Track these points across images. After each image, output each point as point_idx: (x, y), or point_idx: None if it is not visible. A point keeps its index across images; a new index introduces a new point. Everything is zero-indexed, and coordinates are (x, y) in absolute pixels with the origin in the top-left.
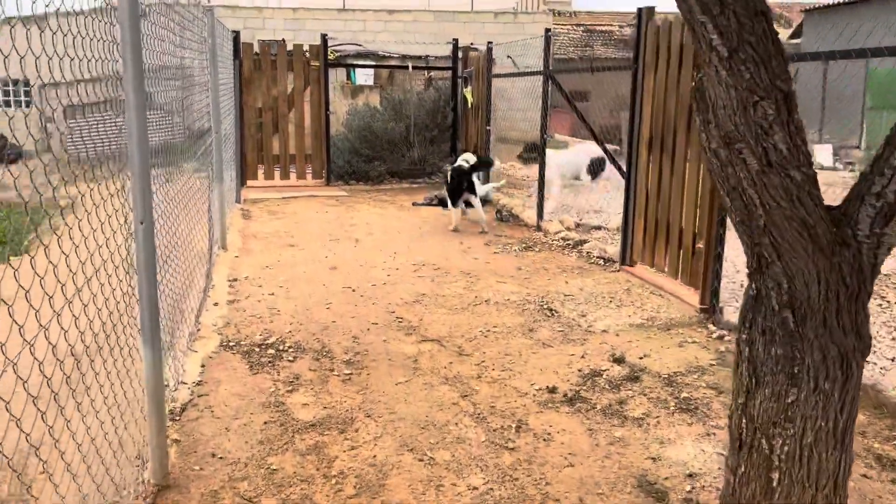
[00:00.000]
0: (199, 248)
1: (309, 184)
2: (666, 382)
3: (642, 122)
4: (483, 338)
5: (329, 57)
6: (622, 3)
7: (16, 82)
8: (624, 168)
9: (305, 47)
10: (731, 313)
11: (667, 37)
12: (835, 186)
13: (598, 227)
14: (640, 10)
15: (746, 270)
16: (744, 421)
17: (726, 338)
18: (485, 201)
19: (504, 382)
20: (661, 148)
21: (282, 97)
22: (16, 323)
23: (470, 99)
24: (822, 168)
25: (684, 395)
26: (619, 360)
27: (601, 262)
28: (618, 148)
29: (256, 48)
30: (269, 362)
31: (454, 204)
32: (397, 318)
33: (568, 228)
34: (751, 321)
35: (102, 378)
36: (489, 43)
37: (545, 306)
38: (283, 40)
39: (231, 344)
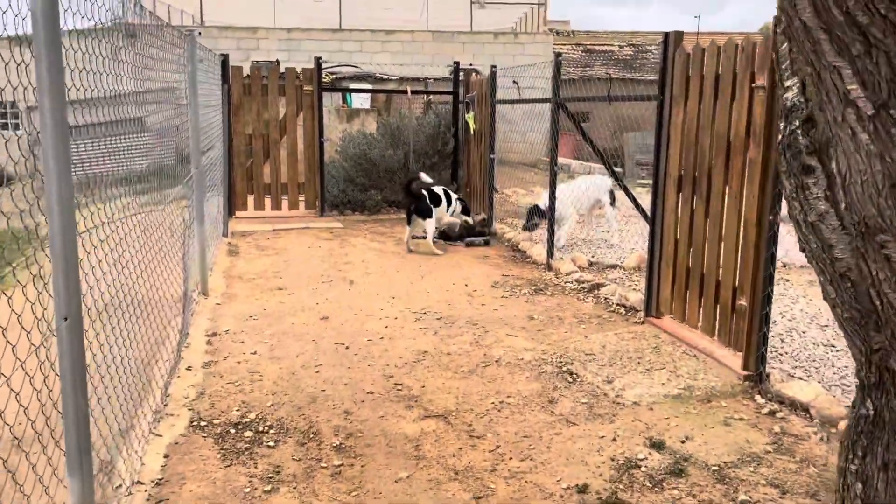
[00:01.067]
0: (173, 293)
1: (301, 214)
2: (717, 477)
3: (669, 159)
4: (496, 412)
5: (324, 80)
6: (618, 22)
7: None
8: (632, 195)
9: (298, 70)
10: (779, 381)
11: (699, 66)
12: None
13: (614, 266)
14: (666, 35)
15: (857, 382)
16: None
17: (778, 414)
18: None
19: (524, 478)
20: (693, 189)
21: (273, 123)
22: None
23: (472, 125)
24: None
25: (742, 496)
26: (657, 446)
27: (622, 310)
28: (621, 170)
29: (247, 71)
30: (246, 448)
31: (407, 221)
32: (396, 384)
33: (581, 268)
34: (864, 449)
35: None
36: (493, 67)
37: (564, 368)
38: (277, 61)
39: (203, 423)
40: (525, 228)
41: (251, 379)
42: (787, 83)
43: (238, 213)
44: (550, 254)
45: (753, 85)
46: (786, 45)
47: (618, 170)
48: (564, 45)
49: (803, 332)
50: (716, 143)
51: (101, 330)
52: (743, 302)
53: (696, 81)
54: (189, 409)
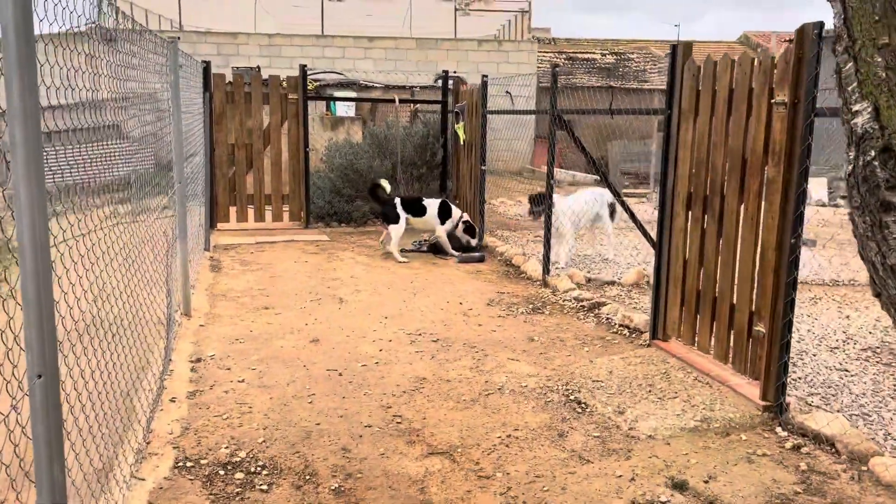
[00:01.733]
0: (156, 314)
1: (286, 226)
2: None
3: (678, 177)
4: (504, 448)
5: (308, 87)
6: (598, 29)
7: None
8: (630, 209)
9: (282, 77)
10: (799, 411)
11: (710, 80)
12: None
13: (612, 283)
14: (674, 46)
15: None
16: None
17: (803, 449)
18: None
19: None
20: (704, 209)
21: (257, 132)
22: None
23: (462, 135)
24: (825, 205)
25: None
26: (680, 487)
27: (626, 332)
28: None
29: (229, 77)
30: (237, 493)
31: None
32: (395, 416)
33: (578, 284)
34: None
35: None
36: (484, 76)
37: (572, 397)
38: (258, 67)
39: (189, 464)
40: (531, 213)
41: (240, 411)
42: (856, 107)
43: (220, 225)
44: (546, 270)
45: (773, 101)
46: (851, 64)
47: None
48: (546, 52)
49: (814, 356)
50: (730, 161)
51: (78, 356)
52: (760, 328)
53: (706, 96)
54: (174, 447)
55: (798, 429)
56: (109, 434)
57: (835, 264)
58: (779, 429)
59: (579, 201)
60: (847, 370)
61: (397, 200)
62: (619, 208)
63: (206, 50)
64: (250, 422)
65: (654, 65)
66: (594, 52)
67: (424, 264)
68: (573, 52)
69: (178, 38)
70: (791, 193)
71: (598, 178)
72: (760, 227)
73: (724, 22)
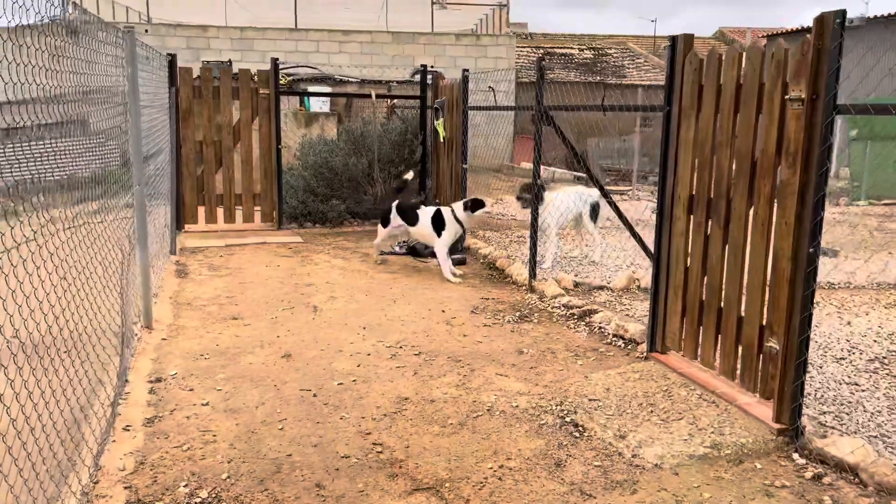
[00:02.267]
0: (114, 326)
1: (257, 227)
2: None
3: (678, 179)
4: (496, 480)
5: (280, 82)
6: (575, 25)
7: None
8: (619, 209)
9: (253, 71)
10: (815, 434)
11: (714, 74)
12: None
13: (601, 288)
14: (674, 38)
15: None
16: None
17: (825, 479)
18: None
19: None
20: (708, 213)
21: (226, 129)
22: None
23: (442, 132)
24: None
25: None
26: None
27: (621, 343)
28: (582, 175)
29: (197, 72)
30: None
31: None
32: (375, 444)
33: (566, 290)
34: None
35: None
36: (465, 70)
37: (567, 419)
38: (230, 61)
39: None
40: (520, 199)
41: (203, 440)
42: None
43: (187, 227)
44: (533, 274)
45: (787, 97)
46: None
47: (582, 175)
48: (524, 47)
49: (821, 367)
50: (737, 162)
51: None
52: (773, 344)
53: (710, 91)
54: (126, 487)
55: (817, 455)
56: (48, 476)
57: (828, 266)
58: (795, 455)
59: (564, 200)
60: (857, 384)
61: (393, 205)
62: (602, 209)
63: (176, 43)
64: (214, 453)
65: (633, 60)
66: (572, 48)
67: (403, 267)
68: (551, 47)
69: (147, 30)
70: (808, 198)
71: (583, 174)
72: (772, 234)
73: (700, 19)
